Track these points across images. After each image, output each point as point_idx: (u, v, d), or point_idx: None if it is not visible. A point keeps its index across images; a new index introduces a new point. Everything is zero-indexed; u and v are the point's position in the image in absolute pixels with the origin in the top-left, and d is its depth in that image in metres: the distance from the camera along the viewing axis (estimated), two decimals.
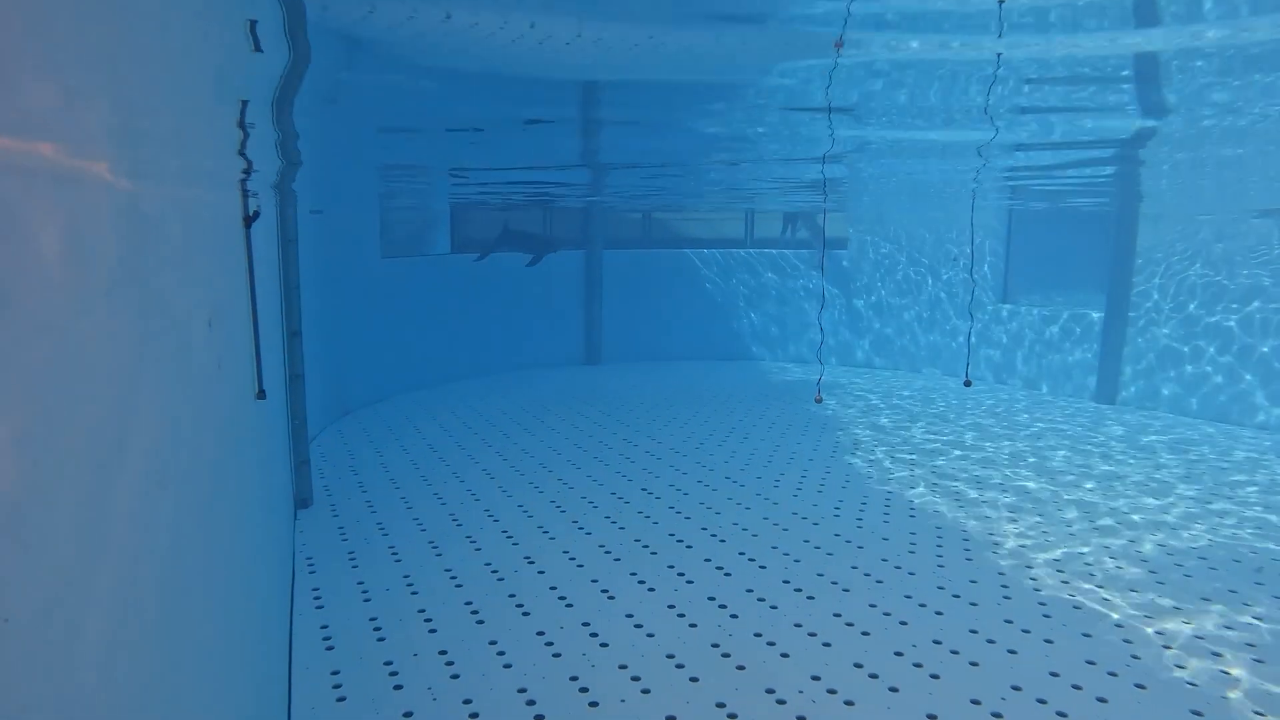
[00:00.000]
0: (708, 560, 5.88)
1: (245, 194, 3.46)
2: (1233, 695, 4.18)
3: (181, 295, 2.00)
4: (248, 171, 3.51)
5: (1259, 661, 4.50)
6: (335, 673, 4.38)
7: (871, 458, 8.57)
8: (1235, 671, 4.40)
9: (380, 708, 4.06)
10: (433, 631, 4.84)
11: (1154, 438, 9.39)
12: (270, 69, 2.81)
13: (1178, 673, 4.40)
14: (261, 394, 3.89)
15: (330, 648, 4.65)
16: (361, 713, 4.02)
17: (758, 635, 4.81)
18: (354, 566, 5.77)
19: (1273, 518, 6.76)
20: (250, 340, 3.64)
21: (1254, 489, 7.52)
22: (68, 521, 1.00)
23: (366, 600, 5.25)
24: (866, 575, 5.63)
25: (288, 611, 5.01)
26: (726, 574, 5.65)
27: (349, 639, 4.75)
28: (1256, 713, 4.03)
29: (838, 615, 5.05)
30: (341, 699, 4.14)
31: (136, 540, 1.39)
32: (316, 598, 5.28)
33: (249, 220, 3.41)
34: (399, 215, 12.79)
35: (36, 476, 0.89)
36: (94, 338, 1.16)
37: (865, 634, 4.82)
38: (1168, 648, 4.65)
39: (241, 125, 2.68)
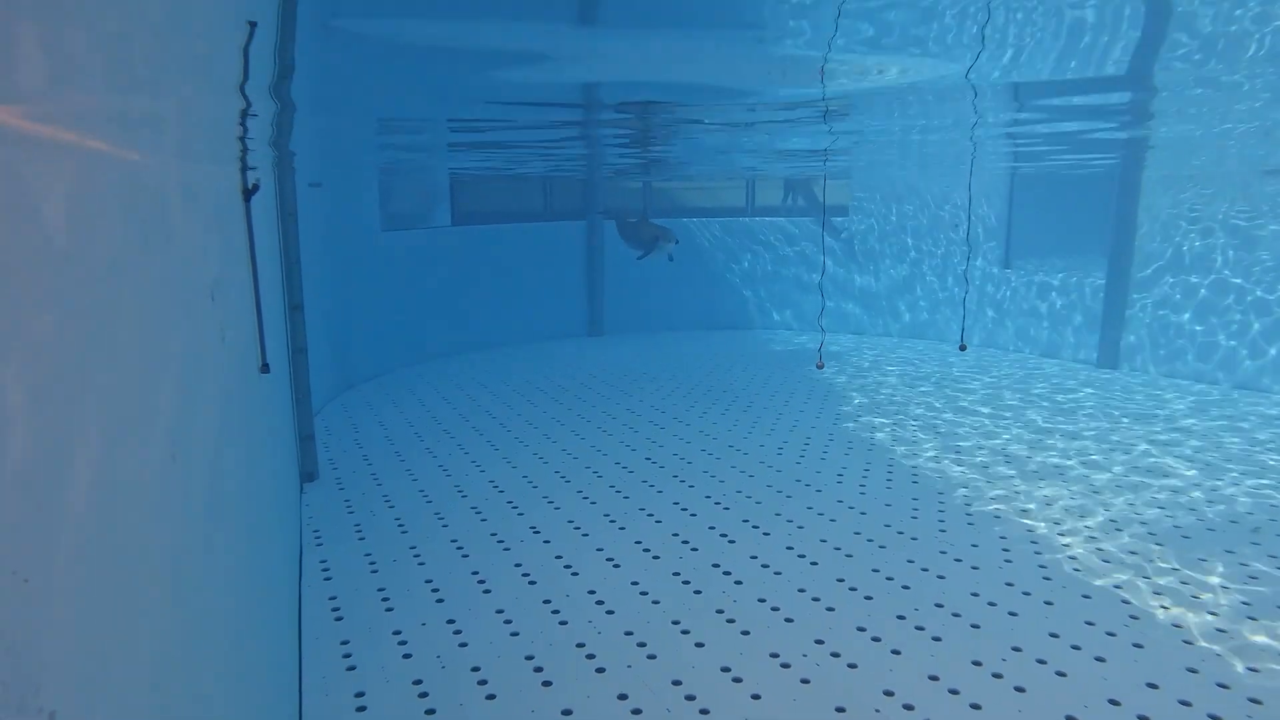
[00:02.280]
0: (712, 527, 5.93)
1: (244, 167, 3.45)
2: (1226, 652, 4.23)
3: (184, 268, 2.00)
4: (245, 138, 3.48)
5: (1252, 619, 4.56)
6: (345, 642, 4.45)
7: (874, 424, 8.59)
8: (1229, 628, 4.46)
9: (390, 676, 4.13)
10: (440, 601, 4.90)
11: (1153, 405, 9.41)
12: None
13: (1174, 632, 4.45)
14: (265, 367, 3.90)
15: (339, 618, 4.72)
16: (372, 681, 4.09)
17: (761, 601, 4.86)
18: (361, 539, 5.83)
19: (1268, 480, 6.79)
20: (253, 314, 3.64)
21: (1273, 455, 7.55)
22: (83, 488, 1.02)
23: (374, 571, 5.31)
24: (869, 541, 5.68)
25: (297, 583, 5.08)
26: (730, 540, 5.71)
27: (357, 609, 4.82)
28: (1250, 669, 4.09)
29: (841, 580, 5.10)
30: (352, 668, 4.21)
31: (151, 509, 1.40)
32: (325, 570, 5.35)
33: (249, 193, 3.39)
34: (399, 188, 12.72)
35: (52, 444, 0.90)
36: (100, 310, 1.16)
37: (868, 598, 4.88)
38: (1165, 608, 4.71)
39: (245, 56, 2.61)
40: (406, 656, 4.31)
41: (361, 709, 3.86)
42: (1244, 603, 4.75)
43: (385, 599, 4.94)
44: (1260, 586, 4.95)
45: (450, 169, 11.84)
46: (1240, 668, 4.10)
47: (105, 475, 1.14)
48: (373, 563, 5.44)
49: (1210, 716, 3.74)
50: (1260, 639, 4.37)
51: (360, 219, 10.91)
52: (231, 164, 3.35)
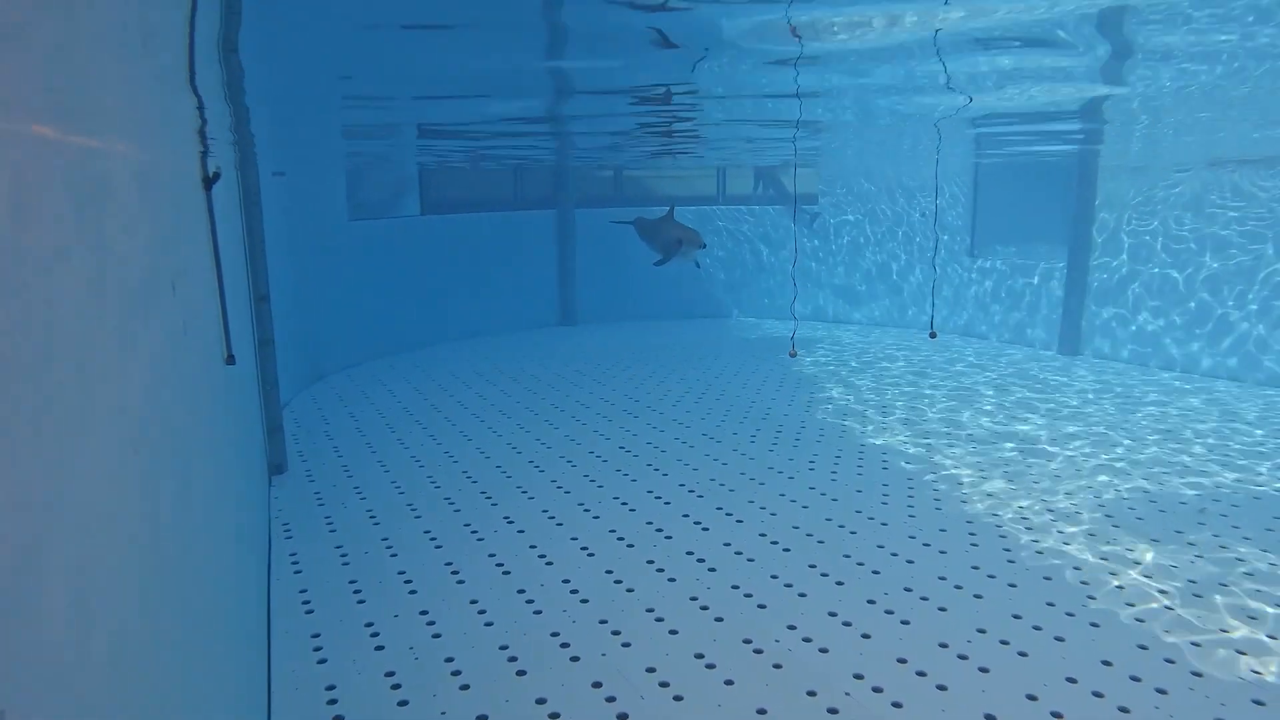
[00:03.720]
0: (685, 515, 5.96)
1: (204, 155, 3.37)
2: (1176, 629, 4.36)
3: (141, 258, 1.95)
4: (203, 129, 3.40)
5: (1197, 596, 4.70)
6: (315, 635, 4.41)
7: (845, 411, 8.68)
8: (1176, 607, 4.58)
9: (363, 669, 4.11)
10: (413, 593, 4.88)
11: (1111, 391, 9.60)
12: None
13: (1127, 610, 4.57)
14: (230, 359, 3.84)
15: (310, 611, 4.68)
16: (343, 674, 4.06)
17: (735, 587, 4.90)
18: (331, 531, 5.77)
19: (1213, 465, 6.97)
20: (217, 305, 3.58)
21: (1210, 439, 7.74)
22: (36, 483, 0.99)
23: (345, 564, 5.27)
24: (840, 527, 5.75)
25: (265, 577, 5.02)
26: (704, 529, 5.74)
27: (328, 602, 4.78)
28: (1193, 644, 4.22)
29: (813, 566, 5.16)
30: (323, 661, 4.18)
31: (111, 504, 1.38)
32: (294, 563, 5.29)
33: (209, 182, 3.32)
34: (367, 177, 12.55)
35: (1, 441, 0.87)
36: (49, 299, 1.13)
37: (839, 584, 4.94)
38: (1120, 588, 4.83)
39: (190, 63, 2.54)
40: (379, 649, 4.28)
41: (333, 702, 3.84)
42: (1190, 580, 4.89)
43: (357, 591, 4.90)
44: (1204, 565, 5.09)
45: (419, 160, 11.69)
46: (1185, 644, 4.23)
47: (59, 470, 1.11)
48: (344, 555, 5.39)
49: (1158, 690, 3.85)
50: (1203, 615, 4.50)
51: (327, 208, 10.75)
52: (190, 150, 3.28)
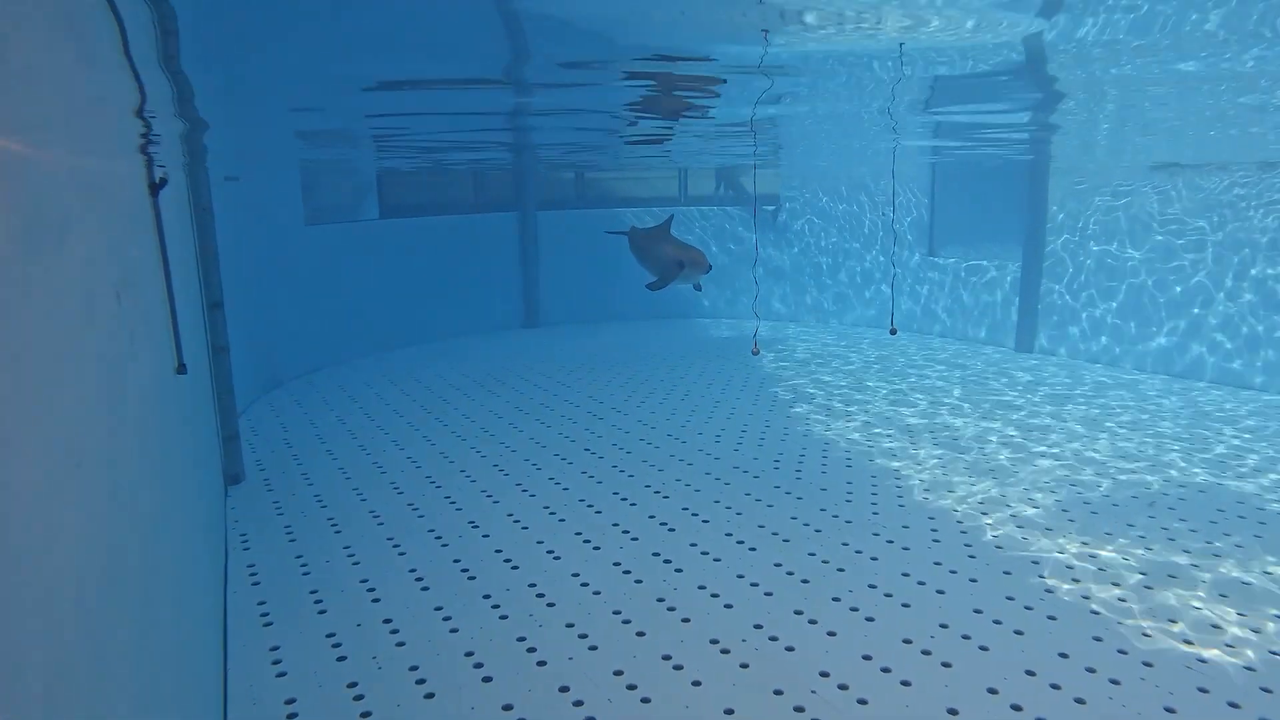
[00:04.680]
0: (652, 516, 5.96)
1: (150, 160, 3.28)
2: (1128, 620, 4.47)
3: (82, 268, 1.89)
4: (147, 135, 3.31)
5: (1148, 588, 4.83)
6: (274, 649, 4.32)
7: (809, 409, 8.75)
8: (1130, 598, 4.70)
9: (323, 680, 4.03)
10: (376, 601, 4.81)
11: (1066, 387, 9.83)
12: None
13: (1082, 602, 4.68)
14: (182, 368, 3.75)
15: (269, 624, 4.58)
16: (303, 687, 3.99)
17: (701, 588, 4.91)
18: (291, 540, 5.67)
19: (1166, 458, 7.18)
20: (166, 313, 3.49)
21: (1171, 438, 7.96)
22: None
23: (306, 574, 5.17)
24: (805, 525, 5.79)
25: (221, 590, 4.91)
26: (670, 529, 5.74)
27: (288, 614, 4.68)
28: (1144, 634, 4.33)
29: (778, 565, 5.19)
30: (282, 674, 4.09)
31: (50, 519, 1.33)
32: (253, 574, 5.18)
33: (155, 187, 3.23)
34: (324, 181, 12.34)
35: None
36: None
37: (805, 581, 4.97)
38: (1075, 580, 4.94)
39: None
40: (341, 659, 4.21)
41: (292, 716, 3.76)
42: (1141, 573, 5.02)
43: (318, 601, 4.82)
44: (1155, 557, 5.24)
45: (379, 164, 11.53)
46: (1136, 634, 4.34)
47: None
48: (304, 564, 5.29)
49: (1111, 681, 3.94)
50: (1153, 606, 4.63)
51: (282, 213, 10.55)
52: (134, 155, 3.19)
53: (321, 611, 4.70)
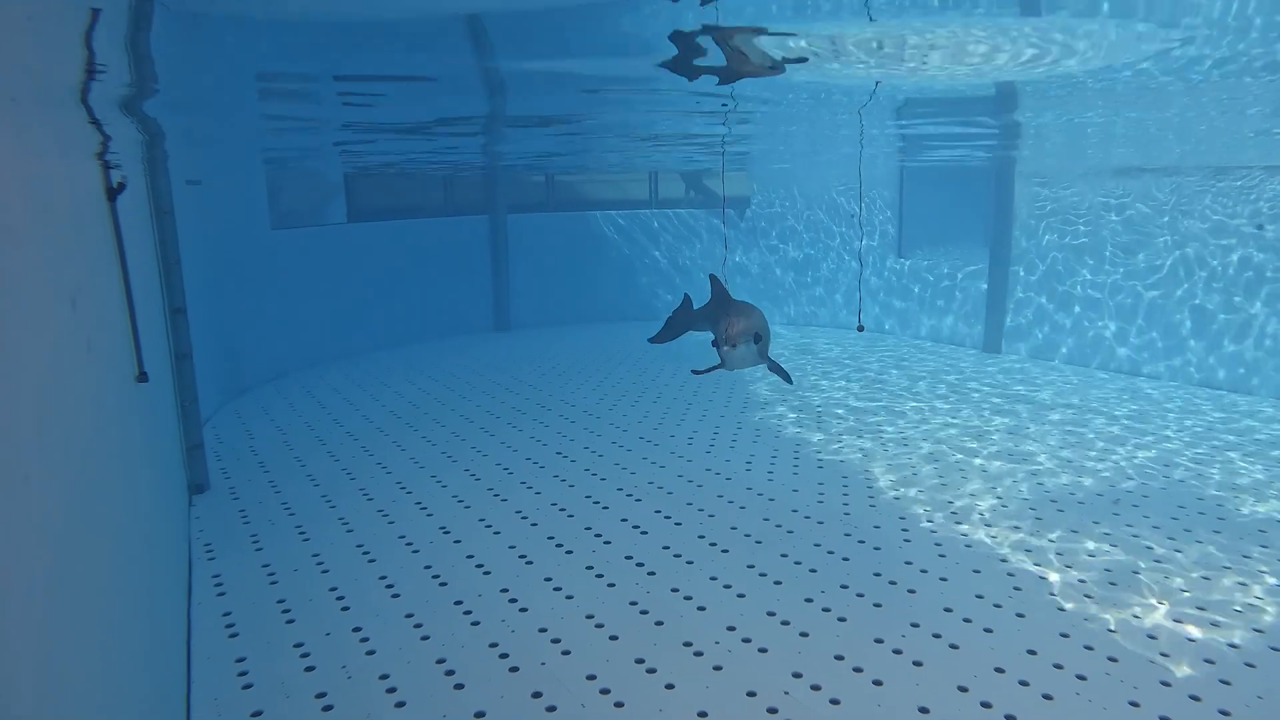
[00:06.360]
0: (624, 520, 5.95)
1: (106, 164, 3.20)
2: (1091, 617, 4.55)
3: (33, 275, 1.84)
4: (105, 141, 3.23)
5: (1113, 585, 4.91)
6: (240, 660, 4.24)
7: (780, 411, 8.80)
8: (1095, 594, 4.79)
9: (291, 690, 3.96)
10: (345, 610, 4.74)
11: (1034, 387, 9.99)
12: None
13: (1049, 599, 4.75)
14: (143, 376, 3.66)
15: (234, 635, 4.49)
16: (271, 698, 3.91)
17: (674, 590, 4.91)
18: (258, 549, 5.56)
19: (1138, 458, 7.32)
20: (125, 320, 3.40)
21: (1132, 439, 8.12)
22: None
23: (273, 583, 5.08)
24: (778, 526, 5.81)
25: (185, 601, 4.80)
26: (643, 532, 5.73)
27: (255, 624, 4.60)
28: (1109, 630, 4.41)
29: (751, 567, 5.20)
30: (248, 686, 4.01)
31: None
32: (218, 584, 5.08)
33: (113, 192, 3.15)
34: (290, 184, 12.14)
35: None
36: None
37: (777, 583, 4.99)
38: (1043, 579, 5.01)
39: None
40: (309, 669, 4.14)
41: None
42: (1106, 569, 5.11)
43: (286, 610, 4.73)
44: (1119, 554, 5.33)
45: (345, 163, 11.34)
46: (1102, 630, 4.41)
47: None
48: (271, 574, 5.20)
49: (1078, 677, 4.00)
50: (1117, 603, 4.71)
51: (247, 217, 10.38)
52: (89, 160, 3.11)
53: (290, 621, 4.62)
